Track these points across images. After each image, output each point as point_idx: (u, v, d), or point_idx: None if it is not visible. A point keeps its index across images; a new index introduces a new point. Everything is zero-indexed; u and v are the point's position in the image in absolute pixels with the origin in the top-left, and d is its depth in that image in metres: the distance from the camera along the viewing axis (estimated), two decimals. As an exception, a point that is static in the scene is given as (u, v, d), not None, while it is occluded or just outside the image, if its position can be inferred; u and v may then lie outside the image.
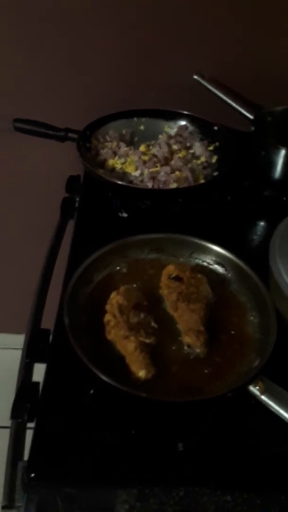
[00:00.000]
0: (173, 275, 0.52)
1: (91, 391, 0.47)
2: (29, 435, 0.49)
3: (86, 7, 0.78)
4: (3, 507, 0.45)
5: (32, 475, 0.42)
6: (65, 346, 0.47)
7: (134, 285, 0.53)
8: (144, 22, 0.80)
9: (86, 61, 0.83)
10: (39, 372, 0.53)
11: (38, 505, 0.46)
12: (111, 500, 0.43)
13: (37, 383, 0.51)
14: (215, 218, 0.69)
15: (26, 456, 0.46)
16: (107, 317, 0.49)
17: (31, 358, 0.55)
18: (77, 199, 0.77)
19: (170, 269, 0.53)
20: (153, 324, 0.49)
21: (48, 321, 0.57)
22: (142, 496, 0.42)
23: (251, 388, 0.43)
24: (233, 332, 0.50)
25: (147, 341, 0.46)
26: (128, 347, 0.46)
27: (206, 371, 0.46)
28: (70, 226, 0.74)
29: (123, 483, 0.42)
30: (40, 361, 0.53)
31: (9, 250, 1.12)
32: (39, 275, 0.67)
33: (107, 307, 0.50)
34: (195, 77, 0.81)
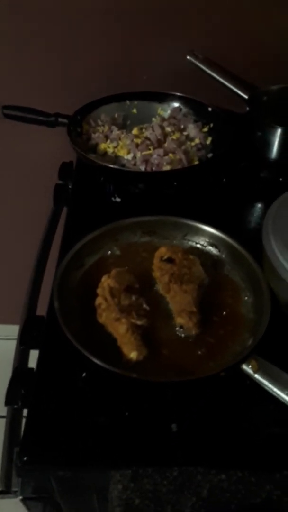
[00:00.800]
0: (165, 257, 0.52)
1: (84, 375, 0.47)
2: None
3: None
4: (0, 492, 0.45)
5: (25, 458, 0.42)
6: (57, 331, 0.46)
7: (126, 268, 0.52)
8: (135, 4, 0.78)
9: (76, 45, 0.82)
10: (35, 359, 0.53)
11: (33, 488, 0.46)
12: (105, 481, 0.43)
13: (32, 369, 0.50)
14: (211, 201, 0.68)
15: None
16: (98, 300, 0.48)
17: (25, 345, 0.54)
18: (70, 186, 0.76)
19: (162, 251, 0.53)
20: (144, 306, 0.48)
21: (44, 309, 0.57)
22: (135, 476, 0.42)
23: (244, 367, 0.43)
24: (227, 312, 0.49)
25: (138, 323, 0.46)
26: (120, 329, 0.45)
27: (199, 351, 0.46)
28: (64, 213, 0.74)
29: (117, 464, 0.42)
30: (35, 347, 0.53)
31: (3, 239, 1.11)
32: (34, 263, 0.66)
33: (98, 290, 0.50)
34: (188, 57, 0.79)
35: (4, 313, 1.26)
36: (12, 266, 1.14)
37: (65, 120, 0.73)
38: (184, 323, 0.47)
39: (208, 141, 0.74)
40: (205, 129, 0.76)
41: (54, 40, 0.81)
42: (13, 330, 1.25)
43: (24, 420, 0.48)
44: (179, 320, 0.47)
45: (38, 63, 0.83)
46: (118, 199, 0.69)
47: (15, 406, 0.49)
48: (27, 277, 0.65)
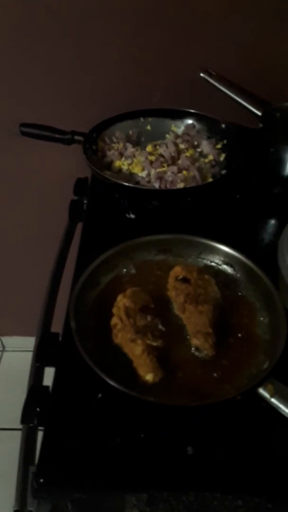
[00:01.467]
0: (180, 277, 0.52)
1: (99, 395, 0.47)
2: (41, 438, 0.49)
3: (90, 8, 0.78)
4: (15, 511, 0.45)
5: (41, 480, 0.42)
6: (73, 350, 0.47)
7: (141, 288, 0.52)
8: (149, 22, 0.80)
9: (91, 63, 0.83)
10: (50, 376, 0.53)
11: (49, 509, 0.46)
12: (121, 504, 0.43)
13: (47, 387, 0.51)
14: (224, 218, 0.68)
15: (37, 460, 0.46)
16: (114, 320, 0.49)
17: (41, 362, 0.55)
18: (85, 202, 0.77)
19: (177, 270, 0.53)
20: (160, 326, 0.48)
21: (58, 325, 0.58)
22: (151, 500, 0.42)
23: (261, 390, 0.42)
24: (242, 333, 0.49)
25: (154, 344, 0.46)
26: (135, 350, 0.45)
27: (214, 373, 0.46)
28: (79, 228, 0.74)
29: (133, 488, 0.42)
30: (50, 365, 0.53)
31: (19, 253, 1.13)
32: (49, 278, 0.67)
33: (114, 310, 0.50)
34: (202, 75, 0.80)
35: (20, 325, 1.27)
36: (27, 279, 1.15)
37: (80, 138, 0.74)
38: (199, 344, 0.46)
39: (222, 158, 0.75)
40: (219, 146, 0.76)
41: (69, 59, 0.83)
42: (23, 342, 1.26)
43: (39, 438, 0.49)
44: (195, 342, 0.47)
45: (54, 82, 0.85)
46: (132, 216, 0.70)
47: (31, 425, 0.50)
48: (42, 290, 0.65)
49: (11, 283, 1.20)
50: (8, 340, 1.35)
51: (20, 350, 1.33)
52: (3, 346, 1.36)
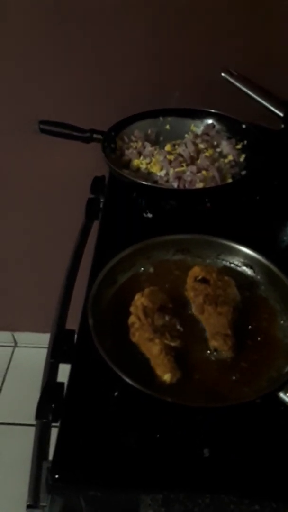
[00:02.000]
0: (200, 277, 0.51)
1: (116, 393, 0.47)
2: (53, 434, 0.49)
3: (110, 7, 0.78)
4: (28, 507, 0.46)
5: (57, 476, 0.42)
6: (89, 347, 0.46)
7: (159, 287, 0.52)
8: (169, 20, 0.79)
9: (110, 61, 0.83)
10: (63, 372, 0.53)
11: (62, 505, 0.46)
12: (135, 503, 0.43)
13: (62, 384, 0.51)
14: (243, 219, 0.68)
15: (51, 456, 0.46)
16: (132, 319, 0.48)
17: (56, 359, 0.55)
18: (102, 200, 0.77)
19: (196, 271, 0.52)
20: (178, 327, 0.48)
21: (73, 322, 0.58)
22: (166, 501, 0.41)
23: (281, 395, 0.42)
24: (262, 336, 0.48)
25: (172, 344, 0.46)
26: (153, 350, 0.45)
27: (233, 375, 0.45)
28: (95, 226, 0.74)
29: (148, 488, 0.42)
30: (65, 361, 0.54)
31: (35, 250, 1.14)
32: (64, 276, 0.67)
33: (132, 308, 0.50)
34: (223, 74, 0.79)
35: (32, 321, 1.28)
36: (41, 276, 1.16)
37: (99, 136, 0.74)
38: (218, 346, 0.46)
39: (242, 158, 0.74)
40: (239, 146, 0.75)
41: (90, 58, 0.83)
42: (38, 338, 1.27)
43: (52, 434, 0.49)
44: (214, 343, 0.46)
45: (74, 80, 0.85)
46: (149, 215, 0.69)
47: (44, 421, 0.50)
48: (54, 287, 0.65)
49: (24, 279, 1.21)
50: (20, 336, 1.36)
51: (32, 346, 1.34)
52: (15, 342, 1.37)
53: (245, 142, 0.75)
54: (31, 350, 1.34)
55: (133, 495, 0.42)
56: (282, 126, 0.73)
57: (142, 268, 0.57)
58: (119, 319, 0.50)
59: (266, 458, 0.43)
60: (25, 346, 1.36)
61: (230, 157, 0.73)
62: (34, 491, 0.46)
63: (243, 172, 0.71)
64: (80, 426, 0.45)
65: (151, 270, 0.57)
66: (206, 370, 0.46)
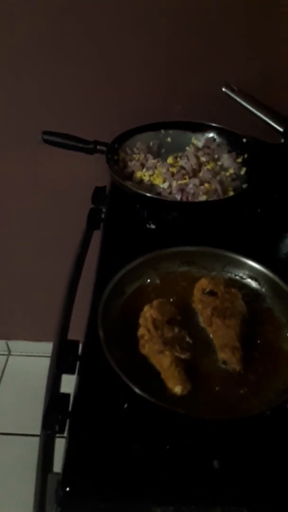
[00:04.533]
0: (207, 290, 0.52)
1: (126, 405, 0.47)
2: (57, 444, 0.49)
3: (115, 20, 0.79)
4: (34, 518, 0.45)
5: (67, 489, 0.42)
6: (96, 358, 0.47)
7: (167, 299, 0.52)
8: (173, 36, 0.81)
9: (114, 74, 0.84)
10: (64, 383, 0.53)
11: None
12: (146, 516, 0.43)
13: (68, 395, 0.51)
14: (245, 231, 0.69)
15: (55, 467, 0.46)
16: (141, 331, 0.49)
17: (60, 369, 0.55)
18: (103, 210, 0.77)
19: (204, 283, 0.53)
20: (188, 339, 0.48)
21: (74, 331, 0.58)
22: (177, 514, 0.41)
23: (290, 407, 0.43)
24: (268, 349, 0.49)
25: (182, 356, 0.46)
26: (163, 362, 0.46)
27: (242, 387, 0.46)
28: (95, 236, 0.75)
29: (159, 500, 0.42)
30: (69, 372, 0.54)
31: (36, 260, 1.13)
32: (65, 286, 0.67)
33: (141, 320, 0.50)
34: (224, 89, 0.81)
35: (27, 330, 1.27)
36: (36, 285, 1.15)
37: (103, 148, 0.75)
38: (227, 358, 0.47)
39: (243, 172, 0.75)
40: (240, 160, 0.77)
41: (94, 70, 0.84)
42: (39, 347, 1.25)
43: (56, 445, 0.49)
44: (222, 355, 0.47)
45: (78, 92, 0.86)
46: (152, 226, 0.70)
47: (49, 432, 0.50)
48: (56, 297, 0.65)
49: (20, 287, 1.20)
50: (14, 344, 1.34)
51: (26, 354, 1.32)
52: (9, 350, 1.35)
53: (246, 155, 0.77)
54: (25, 358, 1.32)
55: (144, 507, 0.42)
56: (282, 140, 0.75)
57: (149, 279, 0.57)
58: (128, 331, 0.50)
59: (276, 470, 0.43)
60: (19, 355, 1.35)
61: (231, 171, 0.75)
62: (40, 503, 0.46)
63: (244, 185, 0.73)
64: (90, 438, 0.45)
65: (158, 281, 0.57)
66: (215, 382, 0.46)
